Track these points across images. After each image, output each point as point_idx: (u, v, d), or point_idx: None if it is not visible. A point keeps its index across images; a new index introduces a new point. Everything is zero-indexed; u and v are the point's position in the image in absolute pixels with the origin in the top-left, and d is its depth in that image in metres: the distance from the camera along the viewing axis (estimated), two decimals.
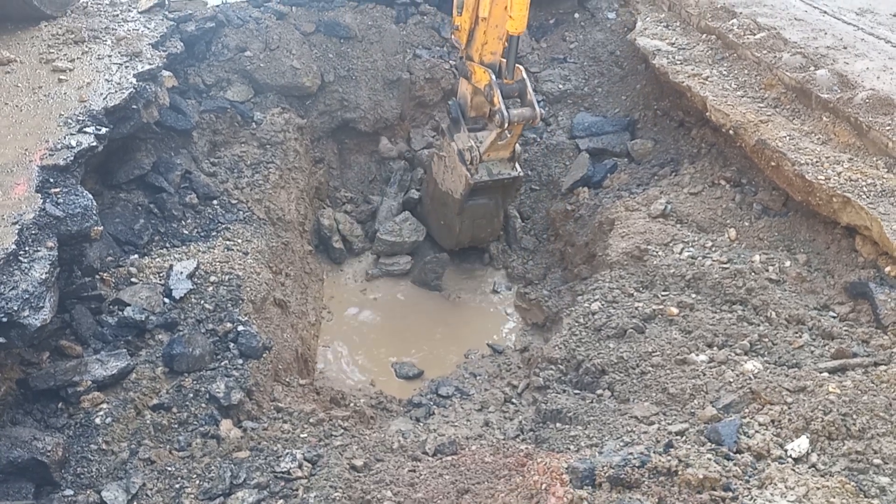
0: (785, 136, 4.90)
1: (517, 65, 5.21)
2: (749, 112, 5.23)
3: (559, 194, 6.46)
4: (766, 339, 4.06)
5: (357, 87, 7.01)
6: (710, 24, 6.31)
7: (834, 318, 4.19)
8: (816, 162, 4.62)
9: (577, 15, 7.71)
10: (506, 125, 5.09)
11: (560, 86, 7.20)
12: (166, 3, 6.36)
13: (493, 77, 5.11)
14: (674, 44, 6.38)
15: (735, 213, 5.12)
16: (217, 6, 6.62)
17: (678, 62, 6.05)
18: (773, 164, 4.83)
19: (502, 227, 6.58)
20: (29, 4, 5.60)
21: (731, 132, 5.23)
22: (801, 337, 4.05)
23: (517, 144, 5.58)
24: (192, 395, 3.81)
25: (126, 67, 5.15)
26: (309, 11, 7.04)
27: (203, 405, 3.80)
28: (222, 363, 4.09)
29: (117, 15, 6.08)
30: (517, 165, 5.68)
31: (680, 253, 4.79)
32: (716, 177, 5.47)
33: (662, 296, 4.53)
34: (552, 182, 6.64)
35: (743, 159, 5.41)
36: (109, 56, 5.30)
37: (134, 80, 4.98)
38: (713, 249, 4.80)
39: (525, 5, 4.71)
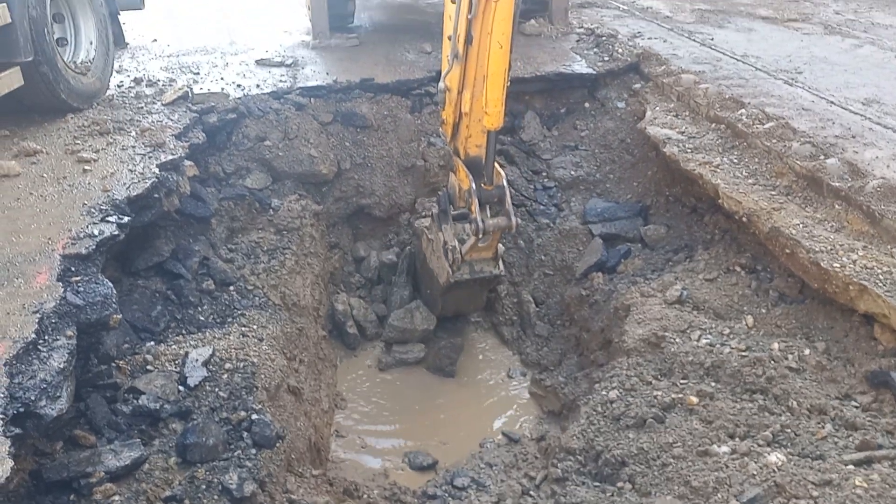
0: (798, 224, 4.93)
1: (498, 169, 5.28)
2: (761, 199, 5.28)
3: (573, 279, 6.47)
4: (789, 430, 3.99)
5: (372, 174, 7.15)
6: (719, 114, 6.44)
7: (856, 408, 4.11)
8: (831, 249, 4.63)
9: (587, 104, 7.90)
10: (480, 235, 5.19)
11: (572, 172, 7.32)
12: (190, 95, 6.58)
13: (473, 185, 5.17)
14: (684, 132, 6.50)
15: (752, 300, 5.11)
16: (239, 98, 6.84)
17: (689, 150, 6.15)
18: (787, 251, 4.85)
19: (516, 313, 6.59)
20: (56, 97, 5.80)
21: (744, 219, 5.27)
22: (823, 427, 3.97)
23: (499, 244, 5.69)
24: (204, 486, 3.74)
25: (149, 158, 5.29)
26: (327, 102, 7.25)
27: (216, 497, 3.72)
28: (235, 453, 4.03)
29: (142, 107, 6.29)
30: (500, 264, 5.79)
31: (698, 340, 4.76)
32: (731, 263, 5.48)
33: (681, 384, 4.47)
34: (566, 267, 6.66)
35: (757, 246, 5.42)
36: (133, 147, 5.45)
37: (156, 170, 5.11)
38: (731, 337, 4.76)
39: (500, 101, 4.74)
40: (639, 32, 9.06)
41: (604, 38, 8.67)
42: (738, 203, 5.31)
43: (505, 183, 5.28)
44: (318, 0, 8.80)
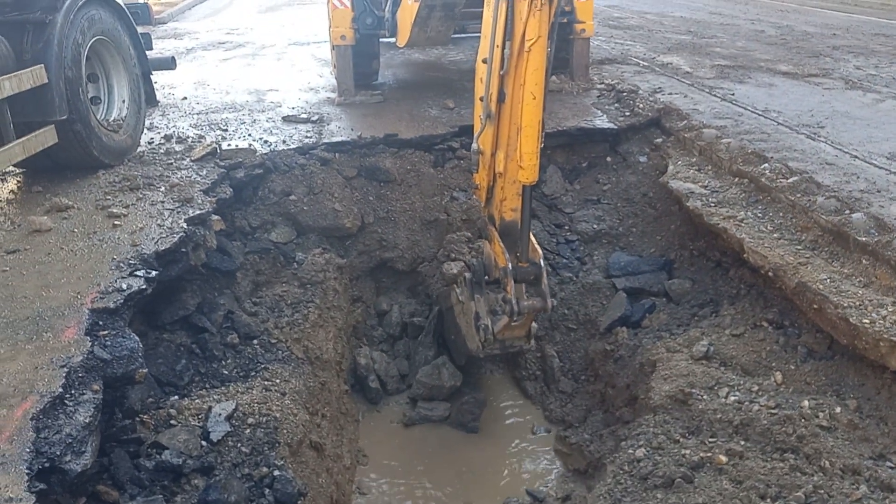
0: (825, 279, 4.88)
1: (536, 245, 5.16)
2: (787, 254, 5.24)
3: (597, 334, 6.42)
4: (822, 491, 3.88)
5: (395, 227, 7.20)
6: (742, 168, 6.45)
7: (892, 468, 4.00)
8: (860, 305, 4.57)
9: (609, 158, 7.95)
10: (514, 318, 5.08)
11: (594, 226, 7.33)
12: (218, 151, 6.72)
13: (509, 265, 5.04)
14: (707, 186, 6.51)
15: (780, 356, 5.03)
16: (265, 154, 6.96)
17: (712, 204, 6.15)
18: (815, 306, 4.79)
19: (540, 367, 6.54)
20: (89, 154, 5.95)
21: (770, 274, 5.23)
22: (858, 489, 3.86)
23: (533, 322, 5.54)
24: None
25: (178, 213, 5.38)
26: (351, 157, 7.37)
27: None
28: None
29: (171, 163, 6.42)
30: (531, 339, 5.65)
31: (726, 397, 4.68)
32: (757, 318, 5.42)
33: (710, 442, 4.38)
34: (590, 321, 6.61)
35: (784, 301, 5.36)
36: (162, 202, 5.55)
37: (184, 225, 5.19)
38: (760, 394, 4.68)
39: (535, 154, 4.63)
40: (659, 88, 9.15)
41: (624, 94, 8.76)
42: (764, 258, 5.27)
43: (542, 262, 5.13)
44: (344, 59, 9.00)
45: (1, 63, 5.13)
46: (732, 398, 4.67)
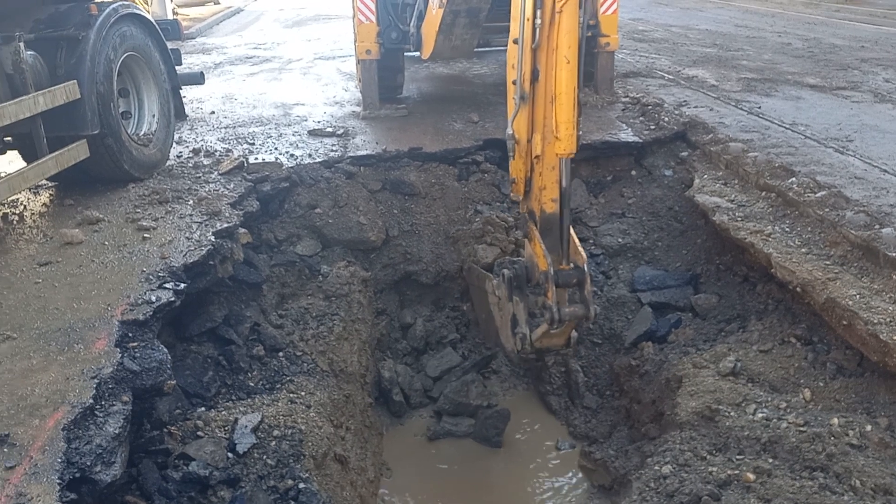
0: (855, 295, 4.81)
1: (579, 247, 4.86)
2: (815, 269, 5.18)
3: (622, 349, 6.39)
4: None
5: (420, 241, 7.22)
6: (769, 182, 6.40)
7: None
8: (890, 321, 4.50)
9: (633, 172, 7.92)
10: (555, 325, 4.77)
11: (619, 240, 7.30)
12: (245, 165, 6.80)
13: (551, 269, 4.71)
14: (733, 201, 6.46)
15: (808, 373, 4.96)
16: (292, 167, 7.03)
17: (739, 219, 6.10)
18: (844, 322, 4.73)
19: (564, 382, 6.51)
20: (119, 168, 6.05)
21: (798, 289, 5.17)
22: None
23: (574, 330, 5.17)
24: None
25: (206, 226, 5.45)
26: (376, 171, 7.41)
27: None
28: None
29: (199, 177, 6.51)
30: (571, 342, 5.26)
31: (753, 414, 4.62)
32: (785, 334, 5.36)
33: (737, 460, 4.33)
34: (615, 336, 6.58)
35: (812, 316, 5.30)
36: (191, 215, 5.62)
37: (212, 238, 5.25)
38: (788, 411, 4.62)
39: (571, 123, 4.32)
40: (685, 101, 9.12)
41: (650, 107, 8.74)
42: (792, 273, 5.22)
43: (586, 267, 4.80)
44: (369, 73, 9.07)
45: (35, 79, 5.23)
46: (760, 415, 4.62)
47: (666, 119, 8.29)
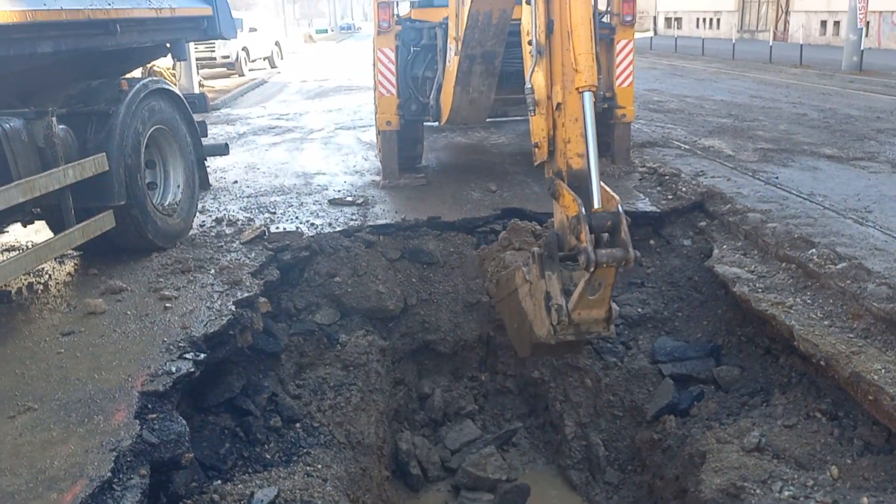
0: (880, 369, 4.73)
1: (611, 192, 4.43)
2: (839, 342, 5.12)
3: (644, 422, 6.28)
4: None
5: (438, 309, 7.23)
6: (789, 254, 6.38)
7: None
8: None
9: (652, 242, 7.93)
10: (591, 268, 4.20)
11: (639, 310, 7.26)
12: (266, 234, 6.89)
13: (582, 209, 4.26)
14: (753, 271, 6.43)
15: (835, 449, 4.85)
16: (312, 236, 7.12)
17: (760, 290, 6.06)
18: (870, 397, 4.64)
19: (584, 456, 6.40)
20: (144, 238, 6.15)
21: (821, 363, 5.10)
22: None
23: (613, 303, 4.65)
24: None
25: (226, 295, 5.50)
26: (395, 240, 7.48)
27: None
28: None
29: (221, 246, 6.60)
30: (611, 326, 4.74)
31: (780, 492, 4.50)
32: (810, 408, 5.26)
33: None
34: (636, 408, 6.48)
35: (838, 391, 5.20)
36: (212, 284, 5.68)
37: (233, 308, 5.29)
38: (815, 489, 4.50)
39: (590, 54, 4.22)
40: (702, 171, 9.19)
41: (667, 177, 8.81)
42: (815, 346, 5.15)
43: (620, 209, 4.38)
44: (389, 143, 9.25)
45: (65, 152, 5.37)
46: (787, 493, 4.50)
47: (683, 189, 8.34)
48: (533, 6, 4.52)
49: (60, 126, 5.37)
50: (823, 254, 6.19)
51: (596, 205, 4.29)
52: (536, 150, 4.78)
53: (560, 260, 4.65)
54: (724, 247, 7.07)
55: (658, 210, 7.95)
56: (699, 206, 8.04)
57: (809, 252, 6.29)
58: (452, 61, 7.86)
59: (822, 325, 5.39)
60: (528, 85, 4.65)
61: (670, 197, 8.26)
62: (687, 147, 10.79)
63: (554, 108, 4.57)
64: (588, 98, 4.32)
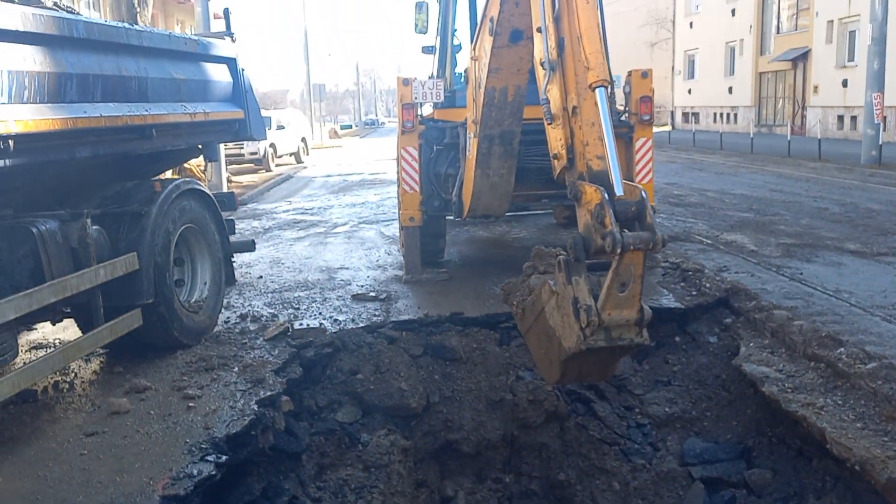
0: None
1: (636, 185, 4.42)
2: (873, 446, 4.97)
3: None
4: None
5: (461, 407, 7.14)
6: (817, 352, 6.29)
7: None
8: None
9: (677, 338, 7.85)
10: (618, 250, 4.09)
11: (666, 409, 7.12)
12: (290, 330, 6.93)
13: (606, 196, 4.24)
14: (781, 370, 6.33)
15: None
16: (335, 332, 7.14)
17: (789, 390, 5.95)
18: None
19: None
20: (170, 335, 6.21)
21: (856, 467, 4.94)
22: None
23: (644, 305, 4.47)
24: None
25: (249, 394, 5.49)
26: (417, 336, 7.48)
27: None
28: None
29: (245, 342, 6.64)
30: (644, 331, 4.54)
31: None
32: None
33: None
34: None
35: (875, 496, 5.02)
36: (235, 383, 5.69)
37: (255, 407, 5.28)
38: None
39: (600, 53, 4.37)
40: (725, 266, 9.18)
41: (690, 273, 8.80)
42: (848, 450, 5.00)
43: (644, 195, 4.32)
44: (412, 239, 9.38)
45: (98, 252, 5.50)
46: None
47: (707, 285, 8.32)
48: (544, 31, 4.72)
49: (94, 227, 5.52)
50: (852, 353, 6.09)
51: (619, 194, 4.28)
52: (556, 161, 4.80)
53: (588, 267, 4.51)
54: (751, 344, 6.98)
55: (682, 306, 7.91)
56: (724, 303, 7.98)
57: (838, 351, 6.20)
58: (472, 144, 8.05)
59: (855, 428, 5.26)
60: (542, 97, 4.78)
61: (694, 293, 8.23)
62: (709, 242, 10.81)
63: (570, 114, 4.65)
64: (602, 94, 4.43)
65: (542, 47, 4.77)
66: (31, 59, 4.71)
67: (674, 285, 8.58)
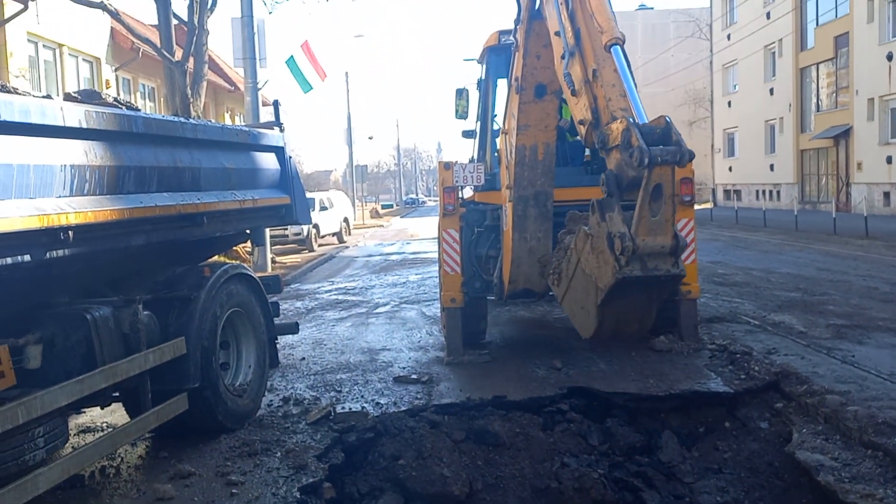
0: None
1: (661, 116, 4.65)
2: None
3: None
4: None
5: (505, 495, 6.97)
6: (874, 440, 6.06)
7: None
8: None
9: (727, 424, 7.63)
10: (646, 161, 4.22)
11: (718, 498, 6.86)
12: (332, 414, 6.92)
13: (631, 120, 4.51)
14: (837, 458, 6.10)
15: None
16: (377, 416, 7.11)
17: (846, 480, 5.71)
18: None
19: None
20: (214, 420, 6.27)
21: None
22: None
23: (678, 232, 4.54)
24: None
25: (292, 480, 5.47)
26: (460, 420, 7.39)
27: None
28: None
29: (288, 427, 6.64)
30: (679, 262, 4.59)
31: None
32: None
33: None
34: None
35: None
36: (278, 469, 5.68)
37: (298, 494, 5.26)
38: None
39: (607, 11, 4.92)
40: (774, 348, 8.98)
41: (738, 355, 8.62)
42: None
43: (669, 119, 4.55)
44: (453, 320, 9.38)
45: (148, 336, 5.63)
46: None
47: (756, 368, 8.13)
48: (562, 31, 5.32)
49: (145, 312, 5.66)
50: None
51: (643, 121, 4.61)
52: (581, 126, 5.12)
53: (622, 205, 4.65)
54: (804, 430, 6.75)
55: (731, 390, 7.72)
56: (774, 387, 7.78)
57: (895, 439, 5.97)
58: (507, 209, 8.14)
59: None
60: (565, 72, 5.27)
61: (743, 376, 8.04)
62: (756, 322, 10.61)
63: (592, 78, 5.06)
64: (617, 52, 4.85)
65: (561, 43, 5.34)
66: (92, 154, 4.95)
67: (721, 368, 8.40)
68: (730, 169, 50.22)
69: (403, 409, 7.42)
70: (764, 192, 44.53)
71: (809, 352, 8.82)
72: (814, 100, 39.60)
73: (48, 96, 5.37)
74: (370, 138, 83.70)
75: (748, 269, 16.31)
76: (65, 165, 4.67)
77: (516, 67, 7.19)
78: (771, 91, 43.62)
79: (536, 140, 7.50)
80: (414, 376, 8.56)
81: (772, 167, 43.98)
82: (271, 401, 7.60)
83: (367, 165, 57.49)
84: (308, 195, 11.03)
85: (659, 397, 7.63)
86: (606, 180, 4.74)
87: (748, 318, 10.92)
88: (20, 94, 4.91)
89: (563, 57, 5.41)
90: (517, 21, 7.66)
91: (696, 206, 10.10)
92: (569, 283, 5.52)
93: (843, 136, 35.85)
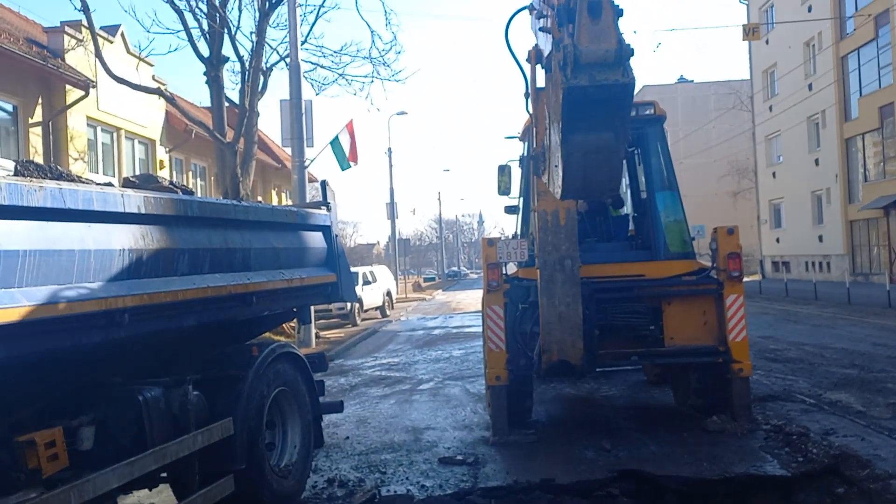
0: None
1: None
2: None
3: None
4: None
5: None
6: None
7: None
8: None
9: None
10: None
11: None
12: (377, 497, 6.81)
13: None
14: None
15: None
16: (422, 500, 6.97)
17: None
18: None
19: None
20: (258, 501, 6.18)
21: None
22: None
23: (622, 37, 4.33)
24: None
25: None
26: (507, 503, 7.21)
27: None
28: None
29: None
30: (628, 70, 4.36)
31: None
32: None
33: None
34: None
35: None
36: None
37: None
38: None
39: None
40: (831, 429, 8.64)
41: (794, 437, 8.32)
42: None
43: None
44: (498, 399, 9.25)
45: (196, 416, 5.65)
46: None
47: (814, 450, 7.82)
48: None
49: (194, 392, 5.71)
50: None
51: None
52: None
53: None
54: None
55: (788, 474, 7.42)
56: (833, 470, 7.44)
57: None
58: (537, 275, 8.19)
59: None
60: None
61: (800, 459, 7.74)
62: (812, 401, 10.25)
63: None
64: None
65: None
66: (149, 237, 5.10)
67: (777, 450, 8.10)
68: (777, 240, 49.46)
69: (449, 492, 7.27)
70: (813, 263, 43.64)
71: (869, 433, 8.46)
72: (861, 170, 39.08)
73: (109, 184, 5.58)
74: (413, 212, 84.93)
75: (801, 345, 15.86)
76: (123, 249, 4.81)
77: (535, 137, 7.42)
78: (816, 161, 43.22)
79: (557, 205, 7.61)
80: (459, 457, 8.41)
81: (820, 238, 43.19)
82: (316, 482, 7.53)
83: (409, 239, 58.00)
84: (352, 269, 11.14)
85: (713, 481, 7.36)
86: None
87: (803, 397, 10.56)
88: (83, 181, 5.12)
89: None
90: (526, 94, 7.90)
91: (745, 279, 9.92)
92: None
93: (892, 206, 35.14)
